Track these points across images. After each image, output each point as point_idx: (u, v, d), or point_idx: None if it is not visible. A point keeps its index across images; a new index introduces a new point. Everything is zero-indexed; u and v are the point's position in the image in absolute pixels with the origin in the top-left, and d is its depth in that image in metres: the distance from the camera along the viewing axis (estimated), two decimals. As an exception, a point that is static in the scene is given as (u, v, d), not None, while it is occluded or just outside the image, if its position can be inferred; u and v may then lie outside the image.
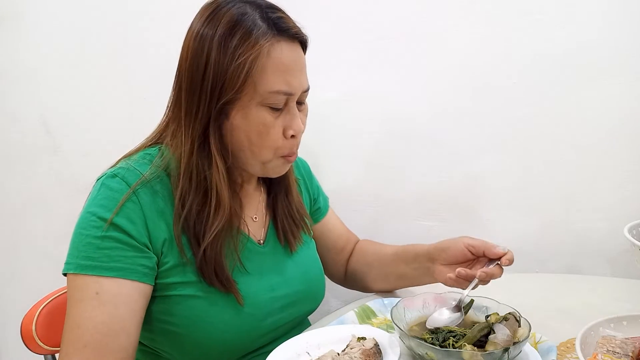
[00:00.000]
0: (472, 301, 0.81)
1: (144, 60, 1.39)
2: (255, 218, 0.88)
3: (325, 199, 1.08)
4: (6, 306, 1.64)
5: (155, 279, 0.75)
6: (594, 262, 1.19)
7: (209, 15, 0.76)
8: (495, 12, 1.16)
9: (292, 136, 0.79)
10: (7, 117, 1.52)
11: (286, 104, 0.77)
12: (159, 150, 0.81)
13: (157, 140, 0.83)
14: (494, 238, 1.23)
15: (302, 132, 0.81)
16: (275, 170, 0.83)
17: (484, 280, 0.81)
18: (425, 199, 1.28)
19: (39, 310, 0.90)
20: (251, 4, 0.76)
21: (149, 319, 0.76)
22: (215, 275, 0.76)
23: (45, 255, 1.56)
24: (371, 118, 1.28)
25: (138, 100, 1.41)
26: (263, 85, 0.74)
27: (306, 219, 0.95)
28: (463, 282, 0.82)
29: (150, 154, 0.80)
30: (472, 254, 0.85)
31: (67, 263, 0.72)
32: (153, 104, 1.38)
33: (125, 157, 0.82)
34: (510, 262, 0.81)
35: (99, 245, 0.71)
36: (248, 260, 0.82)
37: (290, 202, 0.91)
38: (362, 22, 1.23)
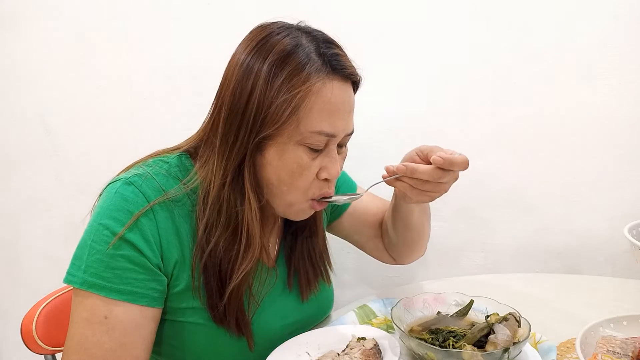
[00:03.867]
0: (472, 301, 0.81)
1: (144, 60, 1.39)
2: (269, 244, 0.83)
3: (350, 187, 1.00)
4: (6, 306, 1.64)
5: (166, 301, 0.71)
6: (594, 262, 1.19)
7: (260, 42, 0.71)
8: (495, 12, 1.16)
9: (326, 179, 0.74)
10: (7, 117, 1.53)
11: (326, 145, 0.72)
12: (178, 158, 0.76)
13: (178, 148, 0.79)
14: (494, 238, 1.25)
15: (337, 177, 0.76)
16: (298, 214, 0.77)
17: (407, 175, 0.73)
18: (425, 199, 1.28)
19: (39, 310, 0.90)
20: (307, 35, 0.72)
21: (158, 342, 0.74)
22: (235, 322, 0.72)
23: (45, 255, 1.56)
24: (370, 117, 1.27)
25: (138, 100, 1.41)
26: (306, 125, 0.69)
27: (328, 266, 0.89)
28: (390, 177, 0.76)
29: (167, 162, 0.75)
30: (421, 159, 0.77)
31: (71, 274, 0.67)
32: (153, 103, 1.40)
33: (139, 161, 0.76)
34: (445, 161, 0.71)
35: (109, 263, 0.66)
36: (261, 285, 0.78)
37: (314, 245, 0.85)
38: (361, 21, 1.23)
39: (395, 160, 1.27)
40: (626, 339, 0.71)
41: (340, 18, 1.24)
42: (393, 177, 0.74)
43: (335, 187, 0.94)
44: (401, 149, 1.27)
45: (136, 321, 0.67)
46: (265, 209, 0.75)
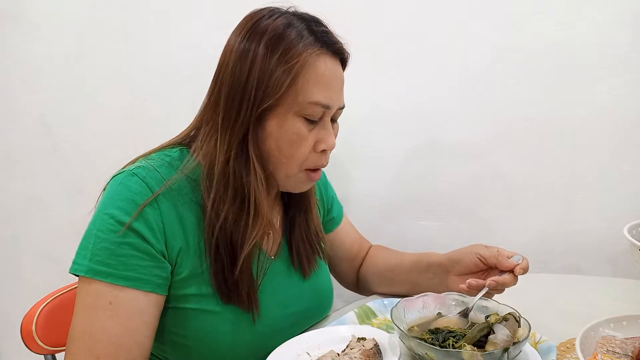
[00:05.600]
0: (473, 304, 0.81)
1: (144, 60, 1.39)
2: (270, 232, 0.85)
3: (340, 208, 1.06)
4: (6, 306, 1.64)
5: (170, 289, 0.73)
6: (594, 262, 1.19)
7: (252, 26, 0.75)
8: (495, 12, 1.16)
9: (322, 150, 0.78)
10: (7, 117, 1.53)
11: (322, 118, 0.77)
12: (180, 152, 0.79)
13: (178, 142, 0.81)
14: (494, 238, 1.25)
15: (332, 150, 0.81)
16: (297, 185, 0.81)
17: (496, 289, 0.81)
18: (426, 199, 1.28)
19: (39, 310, 0.90)
20: (296, 17, 0.77)
21: (161, 330, 0.75)
22: (247, 292, 0.75)
23: (45, 255, 1.56)
24: (371, 118, 1.28)
25: (138, 100, 1.41)
26: (304, 95, 0.73)
27: (322, 244, 0.93)
28: (475, 291, 0.82)
29: (170, 155, 0.78)
30: (483, 263, 0.85)
31: (77, 263, 0.69)
32: (153, 103, 1.40)
33: (143, 156, 0.79)
34: (524, 271, 0.80)
35: (114, 251, 0.68)
36: (266, 261, 0.81)
37: (309, 225, 0.89)
38: (362, 21, 1.23)
39: (394, 161, 1.28)
40: (626, 339, 0.71)
41: (340, 17, 1.23)
42: (484, 291, 0.80)
43: (326, 208, 1.02)
44: (400, 149, 1.28)
45: (140, 307, 0.69)
46: (267, 184, 0.78)
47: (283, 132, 0.74)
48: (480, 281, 0.81)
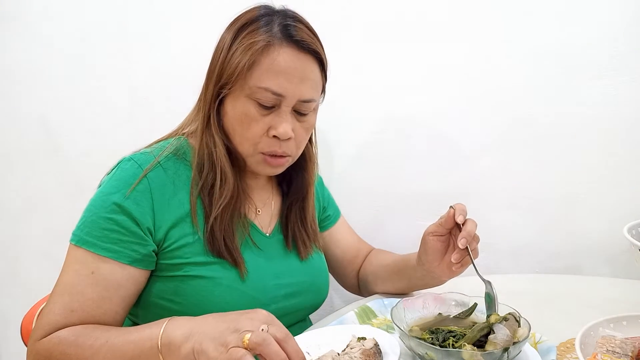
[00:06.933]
0: (475, 305, 0.81)
1: (144, 60, 1.39)
2: (259, 211, 0.91)
3: (336, 209, 1.08)
4: (6, 306, 1.64)
5: (164, 259, 0.78)
6: (594, 262, 1.19)
7: (237, 18, 0.82)
8: (495, 12, 1.16)
9: (274, 136, 0.80)
10: (7, 117, 1.53)
11: (279, 106, 0.79)
12: (177, 139, 0.86)
13: (177, 133, 0.89)
14: (494, 238, 1.25)
15: (294, 141, 0.82)
16: (257, 168, 0.84)
17: (472, 241, 0.79)
18: (425, 199, 1.28)
19: (39, 310, 0.90)
20: (279, 12, 0.81)
21: (152, 301, 0.80)
22: (224, 244, 0.80)
23: (45, 255, 1.56)
24: (372, 118, 1.28)
25: (138, 100, 1.41)
26: (254, 79, 0.77)
27: (317, 236, 0.97)
28: (465, 261, 0.81)
29: (168, 142, 0.86)
30: (442, 236, 0.83)
31: (74, 234, 0.77)
32: (153, 104, 1.40)
33: (147, 146, 0.87)
34: (461, 211, 0.80)
35: (101, 225, 0.75)
36: (255, 245, 0.86)
37: (305, 213, 0.94)
38: (363, 21, 1.24)
39: (395, 161, 1.28)
40: (626, 338, 0.71)
41: (341, 17, 1.24)
42: (472, 252, 0.79)
43: (322, 206, 1.04)
44: (401, 150, 1.28)
45: (118, 281, 0.75)
46: (234, 160, 0.84)
47: (234, 111, 0.80)
48: (459, 251, 0.80)
